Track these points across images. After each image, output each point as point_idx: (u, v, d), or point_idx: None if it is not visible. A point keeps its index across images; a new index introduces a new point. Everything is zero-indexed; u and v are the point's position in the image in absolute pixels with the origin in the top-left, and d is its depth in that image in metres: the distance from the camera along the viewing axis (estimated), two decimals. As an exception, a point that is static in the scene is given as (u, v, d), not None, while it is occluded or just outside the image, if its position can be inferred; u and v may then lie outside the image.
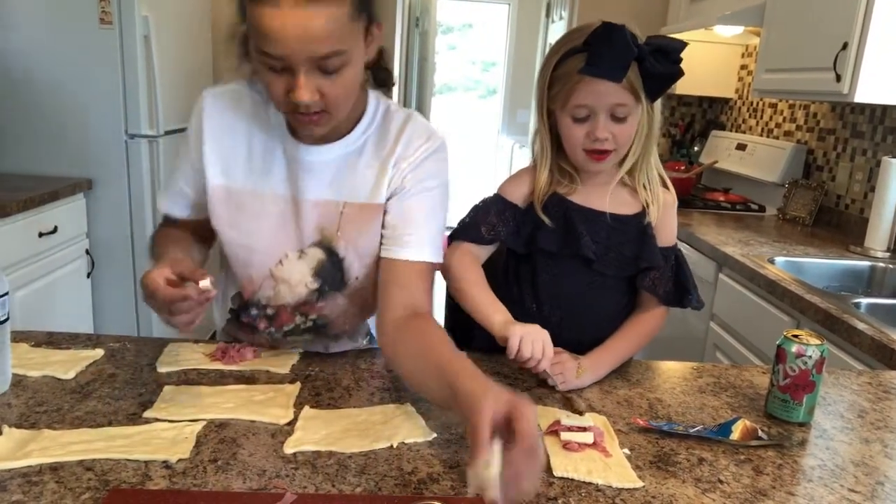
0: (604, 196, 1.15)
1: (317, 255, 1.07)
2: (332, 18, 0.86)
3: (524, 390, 1.04)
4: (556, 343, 1.11)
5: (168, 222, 1.16)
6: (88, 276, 2.66)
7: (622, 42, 1.01)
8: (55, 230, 2.39)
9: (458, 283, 1.13)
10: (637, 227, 1.15)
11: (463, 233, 1.17)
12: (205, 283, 0.88)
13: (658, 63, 1.04)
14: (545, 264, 1.17)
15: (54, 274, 2.43)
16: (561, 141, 1.13)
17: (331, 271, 1.07)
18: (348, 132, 1.04)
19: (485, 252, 1.18)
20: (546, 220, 1.13)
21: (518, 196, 1.17)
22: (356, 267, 1.07)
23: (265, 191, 1.05)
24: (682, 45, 1.05)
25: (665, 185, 1.19)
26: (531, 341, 0.99)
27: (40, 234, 2.32)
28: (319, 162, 1.04)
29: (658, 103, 1.12)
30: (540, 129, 1.15)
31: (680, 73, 1.06)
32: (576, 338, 1.13)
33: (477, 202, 1.20)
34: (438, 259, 1.07)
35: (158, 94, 2.62)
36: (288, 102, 0.91)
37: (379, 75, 1.09)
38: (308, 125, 0.96)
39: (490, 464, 0.69)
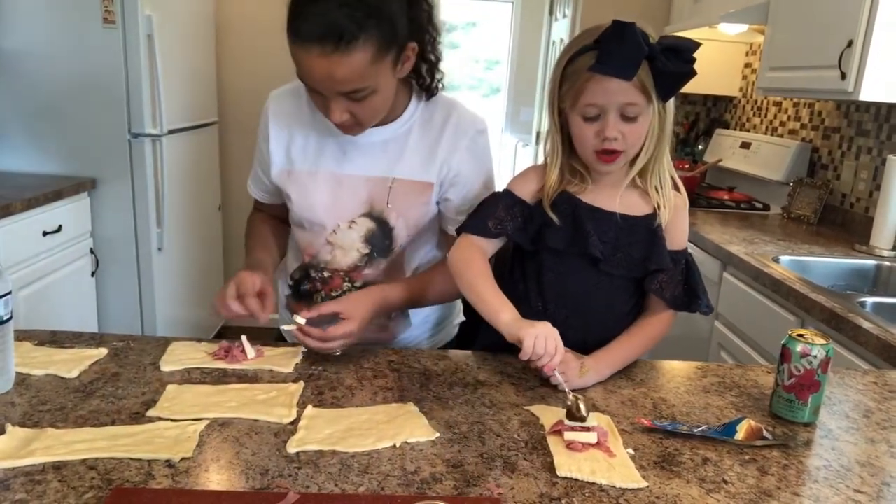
0: (614, 196, 1.14)
1: (366, 223, 1.21)
2: (354, 66, 1.00)
3: (528, 390, 1.04)
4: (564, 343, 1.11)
5: (258, 205, 1.39)
6: (93, 275, 2.66)
7: (633, 40, 1.01)
8: (59, 229, 2.40)
9: (463, 275, 1.13)
10: (647, 228, 1.15)
11: (470, 226, 1.16)
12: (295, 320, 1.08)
13: (669, 62, 1.03)
14: (552, 262, 1.16)
15: (58, 273, 2.43)
16: (572, 140, 1.12)
17: (380, 238, 1.22)
18: (395, 118, 1.19)
19: (492, 246, 1.17)
20: (554, 217, 1.13)
21: (527, 192, 1.16)
22: (403, 236, 1.22)
23: (318, 170, 1.21)
24: (696, 45, 1.04)
25: (676, 188, 1.18)
26: (544, 339, 0.98)
27: (44, 233, 2.32)
28: (368, 143, 1.19)
29: (671, 104, 1.10)
30: (551, 127, 1.15)
31: (692, 73, 1.05)
32: (581, 338, 1.12)
33: (486, 196, 1.20)
34: None
35: (162, 93, 2.62)
36: (324, 115, 1.09)
37: (421, 83, 1.19)
38: (345, 133, 1.14)
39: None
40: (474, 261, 1.13)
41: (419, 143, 1.20)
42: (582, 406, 0.90)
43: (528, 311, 1.15)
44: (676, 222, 1.17)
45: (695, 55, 1.04)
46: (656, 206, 1.15)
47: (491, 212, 1.15)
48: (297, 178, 1.22)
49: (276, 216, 1.37)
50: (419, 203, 1.21)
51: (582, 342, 1.11)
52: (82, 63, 2.52)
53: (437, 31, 1.12)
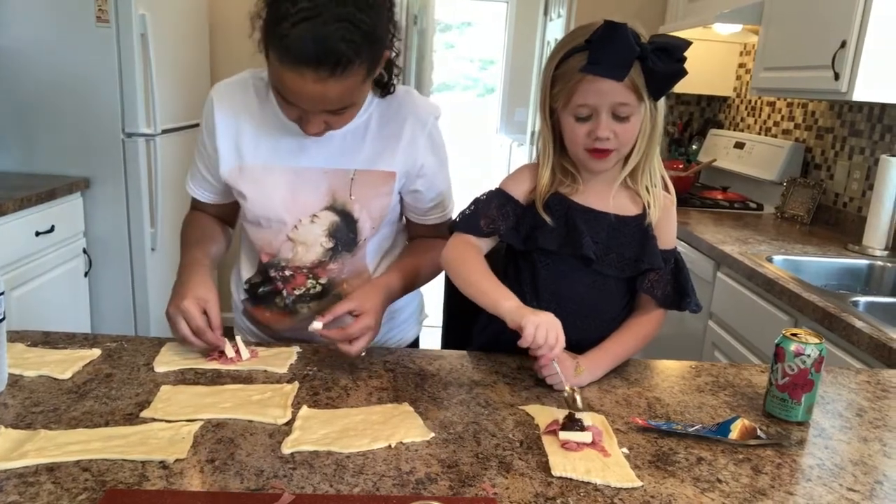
0: (606, 196, 1.14)
1: (329, 217, 1.18)
2: (347, 88, 1.00)
3: (523, 390, 1.04)
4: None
5: (196, 205, 1.32)
6: (86, 276, 2.65)
7: (624, 41, 1.01)
8: (52, 229, 2.39)
9: (459, 270, 1.12)
10: (638, 228, 1.15)
11: (463, 224, 1.16)
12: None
13: (661, 62, 1.03)
14: (545, 262, 1.16)
15: (51, 273, 2.42)
16: (563, 140, 1.12)
17: (344, 231, 1.19)
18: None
19: (485, 245, 1.17)
20: (547, 218, 1.13)
21: (520, 192, 1.16)
22: (367, 228, 1.20)
23: (274, 164, 1.16)
24: (686, 43, 1.04)
25: (666, 188, 1.19)
26: (546, 329, 0.98)
27: (37, 233, 2.31)
28: (326, 136, 1.13)
29: (662, 102, 1.11)
30: (542, 128, 1.15)
31: (683, 73, 1.05)
32: (575, 338, 1.12)
33: (479, 195, 1.20)
34: (452, 214, 1.24)
35: (156, 92, 2.61)
36: (296, 123, 1.08)
37: (379, 79, 1.16)
38: (310, 135, 1.10)
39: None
40: (469, 257, 1.12)
41: (379, 133, 1.18)
42: (578, 398, 0.91)
43: None
44: (665, 221, 1.18)
45: (686, 54, 1.05)
46: (646, 204, 1.15)
47: (483, 210, 1.15)
48: (250, 174, 1.17)
49: (215, 216, 1.32)
50: (382, 193, 1.19)
51: (576, 343, 1.11)
52: (75, 62, 2.51)
53: (397, 29, 1.09)
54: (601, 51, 1.02)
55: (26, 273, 2.27)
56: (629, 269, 1.15)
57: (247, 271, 1.28)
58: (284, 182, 1.17)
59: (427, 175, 1.22)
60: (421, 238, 1.31)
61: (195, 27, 3.11)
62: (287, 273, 1.22)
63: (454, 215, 1.19)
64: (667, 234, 1.19)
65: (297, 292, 1.22)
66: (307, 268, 1.21)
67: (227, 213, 1.32)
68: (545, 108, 1.12)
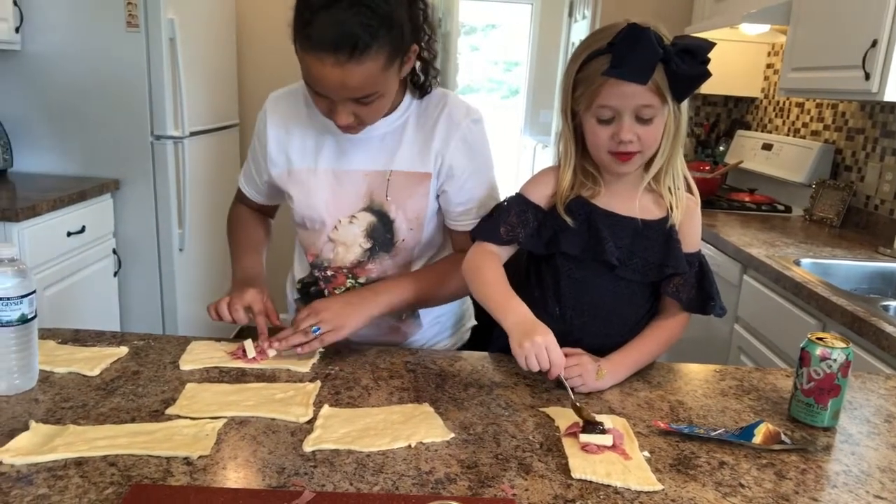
0: (629, 200, 1.14)
1: (367, 218, 1.21)
2: (366, 74, 1.01)
3: (543, 392, 1.03)
4: (579, 348, 1.10)
5: (241, 198, 1.40)
6: (115, 275, 2.70)
7: (648, 44, 1.00)
8: (83, 230, 2.44)
9: (473, 279, 1.12)
10: (662, 232, 1.14)
11: (482, 232, 1.16)
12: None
13: (684, 64, 1.02)
14: (568, 268, 1.16)
15: (82, 272, 2.47)
16: (585, 143, 1.12)
17: (381, 232, 1.22)
18: (391, 113, 1.18)
19: (505, 252, 1.17)
20: (569, 220, 1.12)
21: (540, 196, 1.16)
22: (404, 228, 1.22)
23: (317, 167, 1.21)
24: (710, 45, 1.03)
25: (689, 189, 1.18)
26: (535, 355, 0.97)
27: (69, 234, 2.36)
28: (365, 139, 1.18)
29: (685, 104, 1.10)
30: (564, 130, 1.14)
31: (707, 74, 1.04)
32: (599, 342, 1.12)
33: (501, 200, 1.20)
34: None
35: (184, 95, 2.66)
36: (328, 117, 1.10)
37: (415, 80, 1.20)
38: (346, 132, 1.14)
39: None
40: (485, 266, 1.12)
41: (415, 136, 1.20)
42: (585, 412, 0.91)
43: (546, 316, 1.14)
44: (689, 224, 1.17)
45: (709, 56, 1.03)
46: (669, 206, 1.14)
47: (503, 218, 1.15)
48: (297, 177, 1.22)
49: (257, 210, 1.40)
50: (417, 194, 1.20)
51: (600, 347, 1.11)
52: (106, 66, 2.56)
53: (433, 30, 1.13)
54: (624, 54, 1.01)
55: (58, 272, 2.32)
56: (653, 273, 1.14)
57: (299, 272, 1.33)
58: (327, 184, 1.21)
59: (456, 177, 1.20)
60: (460, 249, 1.26)
61: (223, 31, 3.15)
62: (329, 273, 1.25)
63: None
64: (691, 237, 1.17)
65: (337, 291, 1.25)
66: (347, 268, 1.24)
67: (269, 209, 1.42)
68: (567, 111, 1.12)
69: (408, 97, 1.20)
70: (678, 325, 1.19)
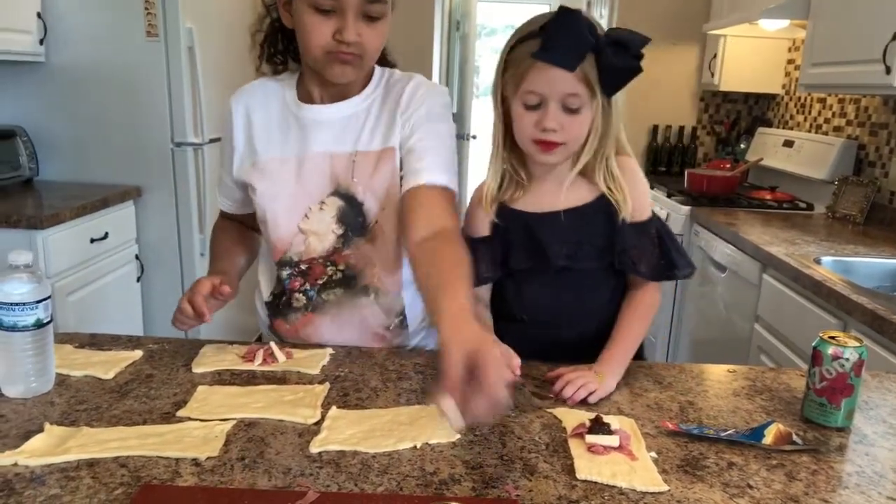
0: (558, 194, 1.12)
1: (336, 202, 1.18)
2: None
3: (551, 392, 1.03)
4: (560, 346, 1.11)
5: (224, 215, 1.35)
6: (138, 281, 2.75)
7: (578, 30, 0.99)
8: (106, 236, 2.48)
9: None
10: (602, 211, 1.11)
11: None
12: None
13: (615, 56, 1.00)
14: (524, 277, 1.15)
15: (105, 278, 2.52)
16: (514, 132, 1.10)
17: (352, 215, 1.18)
18: (357, 94, 1.18)
19: (484, 289, 1.17)
20: (497, 220, 1.13)
21: (483, 227, 1.16)
22: (374, 209, 1.17)
23: (280, 155, 1.18)
24: (644, 40, 1.02)
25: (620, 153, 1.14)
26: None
27: (92, 240, 2.41)
28: (327, 120, 1.17)
29: (618, 100, 1.07)
30: (494, 116, 1.13)
31: (638, 69, 1.02)
32: (576, 335, 1.12)
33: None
34: (454, 187, 1.13)
35: (202, 103, 2.70)
36: (330, 44, 1.06)
37: (382, 60, 1.22)
38: (344, 65, 1.09)
39: (447, 417, 0.76)
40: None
41: (380, 114, 1.17)
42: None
43: (514, 324, 1.16)
44: (634, 189, 1.12)
45: (643, 51, 1.02)
46: (616, 203, 1.11)
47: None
48: (262, 168, 1.18)
49: (243, 222, 1.33)
50: (383, 172, 1.15)
51: (578, 339, 1.11)
52: (127, 75, 2.61)
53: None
54: (554, 38, 1.00)
55: (82, 278, 2.37)
56: (607, 255, 1.12)
57: (266, 288, 1.27)
58: (293, 171, 1.17)
59: (410, 137, 1.14)
60: (432, 231, 1.07)
61: (240, 39, 3.18)
62: (303, 267, 1.20)
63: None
64: (637, 203, 1.13)
65: (319, 282, 1.20)
66: (323, 257, 1.19)
67: (250, 219, 1.29)
68: (497, 95, 1.10)
69: (375, 79, 1.19)
70: (649, 295, 1.16)
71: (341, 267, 1.20)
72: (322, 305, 1.20)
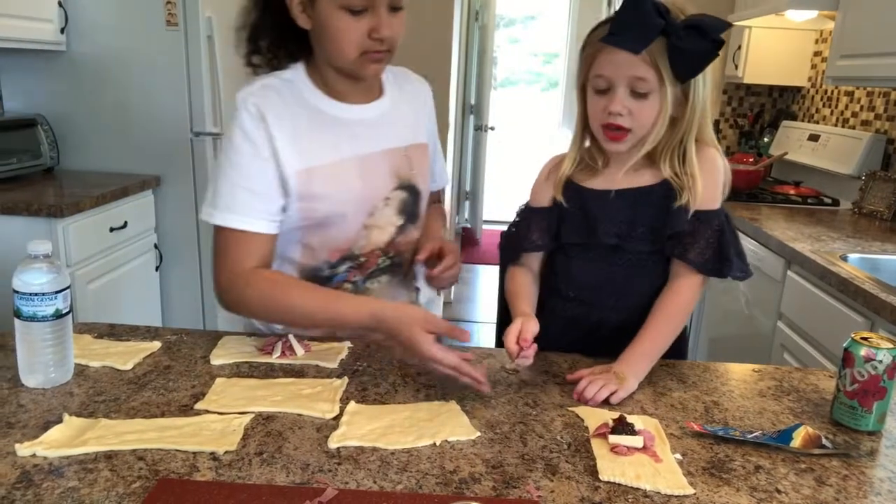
0: (624, 178, 1.12)
1: (399, 196, 1.22)
2: None
3: (573, 391, 1.01)
4: (603, 329, 1.13)
5: (247, 256, 1.10)
6: (157, 270, 2.76)
7: (644, 13, 0.98)
8: (125, 225, 2.49)
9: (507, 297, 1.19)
10: (662, 196, 1.09)
11: (511, 250, 1.23)
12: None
13: (687, 40, 0.98)
14: (575, 252, 1.17)
15: (125, 267, 2.53)
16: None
17: (412, 206, 1.24)
18: (381, 93, 1.22)
19: (534, 258, 1.22)
20: (563, 201, 1.15)
21: (544, 198, 1.19)
22: (425, 198, 1.28)
23: (340, 157, 1.15)
24: (724, 25, 0.99)
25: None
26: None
27: (111, 229, 2.42)
28: (372, 118, 1.19)
29: (700, 89, 1.04)
30: (577, 103, 1.15)
31: (713, 53, 1.00)
32: (621, 319, 1.12)
33: (515, 218, 1.24)
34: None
35: (221, 92, 2.69)
36: (366, 43, 1.06)
37: None
38: (377, 63, 1.10)
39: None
40: (510, 283, 1.21)
41: (404, 111, 1.25)
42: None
43: (561, 300, 1.18)
44: (707, 178, 1.09)
45: (722, 36, 0.99)
46: (678, 190, 1.08)
47: (524, 233, 1.19)
48: (319, 175, 1.11)
49: (266, 263, 1.13)
50: (425, 164, 1.28)
51: (621, 323, 1.09)
52: (147, 64, 2.61)
53: None
54: (622, 21, 1.00)
55: (102, 267, 2.38)
56: (660, 239, 1.11)
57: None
58: (354, 171, 1.16)
59: (430, 134, 1.32)
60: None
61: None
62: (362, 259, 1.22)
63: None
64: (708, 192, 1.09)
65: (369, 271, 1.24)
66: (381, 248, 1.23)
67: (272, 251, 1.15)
68: (579, 84, 1.12)
69: (384, 77, 1.24)
70: (688, 290, 1.11)
71: (391, 255, 1.25)
72: (365, 293, 1.24)
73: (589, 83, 1.07)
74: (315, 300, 1.08)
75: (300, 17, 1.09)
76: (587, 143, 1.16)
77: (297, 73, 1.16)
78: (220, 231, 1.10)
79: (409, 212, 1.24)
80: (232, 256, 1.10)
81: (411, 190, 1.23)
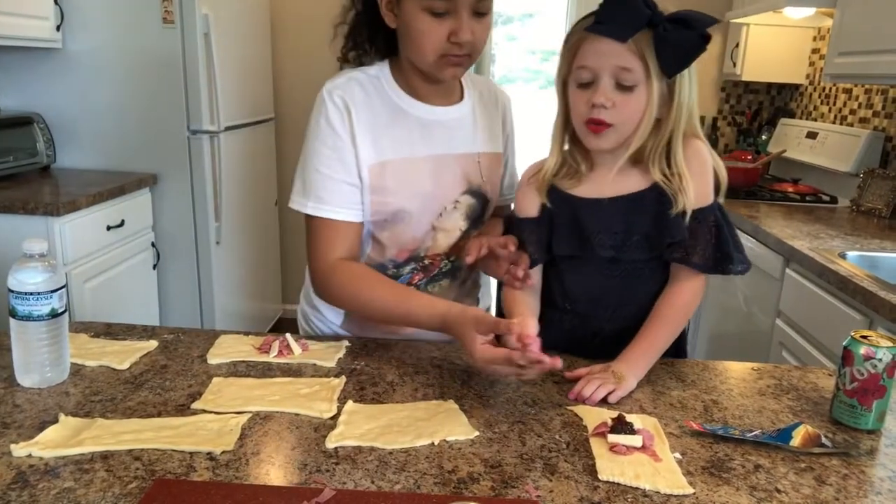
0: (612, 182, 1.08)
1: (467, 201, 1.22)
2: None
3: (571, 390, 1.01)
4: (601, 339, 1.09)
5: (334, 247, 1.13)
6: (154, 268, 2.75)
7: (632, 2, 0.97)
8: (122, 223, 2.48)
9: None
10: (654, 200, 1.07)
11: None
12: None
13: (675, 32, 0.97)
14: (569, 265, 1.13)
15: (122, 266, 2.52)
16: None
17: (478, 213, 1.24)
18: (461, 97, 1.22)
19: (534, 273, 1.13)
20: (548, 203, 1.11)
21: (532, 207, 1.14)
22: (492, 208, 1.28)
23: (413, 154, 1.16)
24: (711, 19, 0.98)
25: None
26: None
27: (108, 228, 2.41)
28: (449, 120, 1.20)
29: (686, 84, 1.02)
30: (558, 101, 1.11)
31: (700, 47, 0.98)
32: (618, 327, 1.10)
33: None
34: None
35: (219, 90, 2.68)
36: (445, 46, 1.06)
37: None
38: (455, 67, 1.10)
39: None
40: (505, 295, 1.17)
41: (483, 118, 1.25)
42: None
43: (559, 313, 1.14)
44: (697, 177, 1.06)
45: (708, 31, 0.98)
46: (672, 195, 1.05)
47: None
48: (392, 170, 1.14)
49: (355, 255, 1.17)
50: (499, 172, 1.28)
51: (621, 330, 1.08)
52: (143, 62, 2.60)
53: None
54: (608, 10, 0.99)
55: (99, 265, 2.37)
56: (657, 246, 1.08)
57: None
58: (427, 171, 1.17)
59: (508, 145, 1.32)
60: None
61: (257, 26, 3.17)
62: (426, 262, 1.23)
63: None
64: (701, 189, 1.07)
65: (431, 274, 1.24)
66: (445, 253, 1.23)
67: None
68: (558, 83, 1.09)
69: (464, 82, 1.24)
70: (689, 292, 1.10)
71: (453, 258, 1.25)
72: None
73: (571, 77, 1.03)
74: (393, 297, 1.10)
75: (388, 15, 1.10)
76: (566, 146, 1.12)
77: (382, 70, 1.18)
78: (311, 220, 1.15)
79: (475, 218, 1.24)
80: (323, 246, 1.14)
81: (480, 197, 1.23)
